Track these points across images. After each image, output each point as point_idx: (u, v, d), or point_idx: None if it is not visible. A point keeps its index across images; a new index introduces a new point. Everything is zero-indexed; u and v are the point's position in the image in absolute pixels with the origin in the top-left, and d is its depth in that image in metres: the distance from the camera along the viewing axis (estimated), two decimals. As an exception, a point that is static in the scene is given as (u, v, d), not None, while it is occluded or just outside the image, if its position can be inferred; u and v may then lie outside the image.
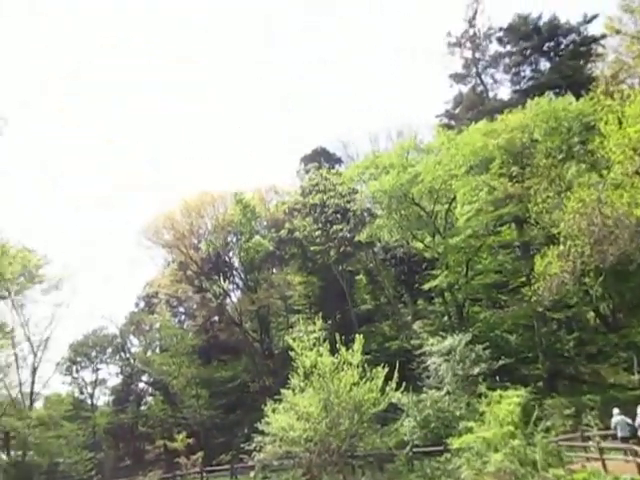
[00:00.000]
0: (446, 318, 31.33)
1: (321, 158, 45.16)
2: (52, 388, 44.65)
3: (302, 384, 20.90)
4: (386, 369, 20.92)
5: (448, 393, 22.78)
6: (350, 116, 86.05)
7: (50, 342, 38.02)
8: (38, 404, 40.50)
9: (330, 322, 31.02)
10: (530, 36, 39.19)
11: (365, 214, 35.50)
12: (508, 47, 40.45)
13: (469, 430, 17.24)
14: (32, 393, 37.24)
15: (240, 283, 42.62)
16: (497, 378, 23.45)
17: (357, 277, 41.10)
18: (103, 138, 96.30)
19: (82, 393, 48.21)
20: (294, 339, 21.90)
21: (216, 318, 43.44)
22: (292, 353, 21.66)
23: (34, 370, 37.12)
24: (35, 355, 37.03)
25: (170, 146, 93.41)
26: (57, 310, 37.18)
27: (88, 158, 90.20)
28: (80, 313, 42.03)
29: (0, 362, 34.36)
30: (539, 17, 39.39)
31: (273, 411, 21.17)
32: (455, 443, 17.44)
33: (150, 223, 40.17)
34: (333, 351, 21.02)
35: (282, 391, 21.54)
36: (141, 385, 49.06)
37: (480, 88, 41.40)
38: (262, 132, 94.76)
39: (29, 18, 75.11)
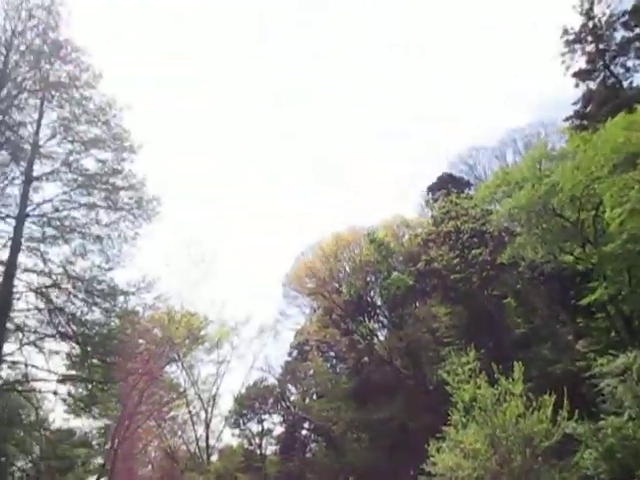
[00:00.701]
0: (613, 334, 28.35)
1: (449, 185, 44.44)
2: (224, 441, 47.58)
3: (463, 419, 20.08)
4: (553, 396, 19.42)
5: (631, 418, 20.32)
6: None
7: (218, 398, 40.91)
8: (214, 457, 43.21)
9: (483, 351, 29.69)
10: (660, 12, 35.74)
11: (503, 234, 33.93)
12: (637, 30, 37.14)
13: (666, 460, 15.24)
14: (208, 447, 39.93)
15: (385, 321, 42.56)
16: (690, 397, 20.48)
17: (505, 301, 38.99)
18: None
19: (251, 444, 50.40)
20: (448, 372, 21.27)
21: (366, 359, 43.51)
22: (448, 387, 21.00)
23: (207, 425, 39.96)
24: (206, 411, 39.95)
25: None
26: (220, 367, 40.15)
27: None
28: (241, 367, 44.53)
29: (178, 420, 37.49)
30: (667, -10, 35.90)
31: (437, 450, 20.50)
32: (651, 475, 15.50)
33: (292, 273, 42.04)
34: (491, 382, 20.03)
35: (443, 428, 20.84)
36: (304, 432, 50.14)
37: (611, 80, 38.29)
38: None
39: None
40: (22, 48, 24.26)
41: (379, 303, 42.43)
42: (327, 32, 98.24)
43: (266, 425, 50.04)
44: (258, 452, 49.74)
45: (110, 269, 24.28)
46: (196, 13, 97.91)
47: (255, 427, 49.75)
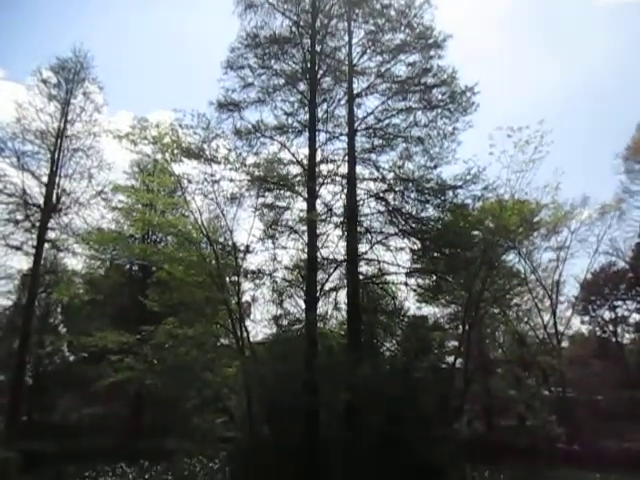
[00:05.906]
0: None
1: None
2: (574, 328, 46.28)
3: None
4: None
5: None
6: None
7: (561, 284, 39.52)
8: (564, 344, 42.48)
9: None
10: None
11: None
12: None
13: None
14: (557, 333, 39.31)
15: None
16: None
17: None
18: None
19: (604, 332, 47.66)
20: None
21: None
22: None
23: (553, 312, 39.17)
24: (551, 298, 39.05)
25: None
26: (560, 253, 38.42)
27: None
28: (583, 251, 41.52)
29: (522, 307, 37.69)
30: None
31: None
32: None
33: (635, 144, 36.51)
34: None
35: None
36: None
37: None
38: None
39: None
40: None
41: None
42: None
43: (619, 312, 46.57)
44: (613, 340, 46.88)
45: (435, 167, 25.06)
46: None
47: (607, 314, 46.88)
